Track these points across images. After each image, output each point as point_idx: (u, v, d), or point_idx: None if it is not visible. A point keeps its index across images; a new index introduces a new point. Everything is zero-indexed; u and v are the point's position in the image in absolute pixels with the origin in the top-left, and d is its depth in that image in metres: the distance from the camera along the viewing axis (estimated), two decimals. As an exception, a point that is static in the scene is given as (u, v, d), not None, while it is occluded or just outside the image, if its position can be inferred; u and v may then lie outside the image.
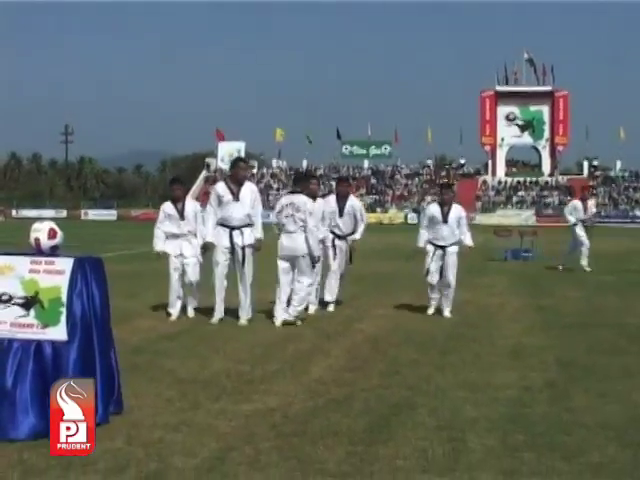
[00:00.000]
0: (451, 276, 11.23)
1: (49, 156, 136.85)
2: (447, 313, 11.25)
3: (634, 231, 52.68)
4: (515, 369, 7.73)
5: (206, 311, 10.76)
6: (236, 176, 10.50)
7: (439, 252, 11.27)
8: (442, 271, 11.25)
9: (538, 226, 51.60)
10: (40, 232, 5.81)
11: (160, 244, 10.97)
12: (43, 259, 5.67)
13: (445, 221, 11.23)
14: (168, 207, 11.01)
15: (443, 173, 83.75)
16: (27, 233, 5.87)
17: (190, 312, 10.98)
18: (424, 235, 11.39)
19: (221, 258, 10.41)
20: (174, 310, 10.87)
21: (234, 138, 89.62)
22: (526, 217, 71.08)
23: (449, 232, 11.26)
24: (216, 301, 10.51)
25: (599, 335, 9.78)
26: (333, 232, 11.78)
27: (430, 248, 11.35)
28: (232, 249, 10.36)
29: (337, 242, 11.83)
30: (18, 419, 5.35)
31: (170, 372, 7.44)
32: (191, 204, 11.11)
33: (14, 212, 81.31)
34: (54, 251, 5.82)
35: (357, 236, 12.00)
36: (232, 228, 10.36)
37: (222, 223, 10.40)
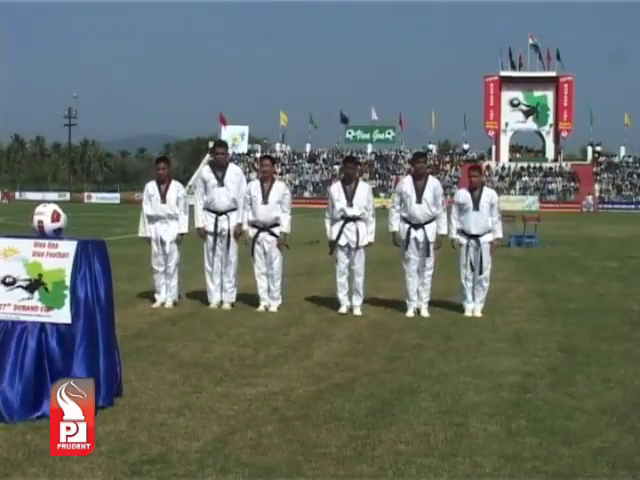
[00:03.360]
0: (487, 270, 10.19)
1: (52, 139, 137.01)
2: (479, 312, 10.17)
3: (638, 217, 52.63)
4: (518, 355, 7.74)
5: (202, 295, 10.71)
6: (217, 161, 10.47)
7: (473, 242, 10.16)
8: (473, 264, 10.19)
9: (542, 212, 51.60)
10: (44, 215, 5.81)
11: (144, 229, 10.62)
12: (47, 242, 5.67)
13: (476, 208, 10.07)
14: (151, 187, 10.56)
15: (447, 158, 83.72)
16: (31, 216, 5.87)
17: (169, 303, 10.45)
18: (455, 225, 10.25)
19: (212, 244, 10.40)
20: (159, 296, 10.53)
21: (238, 122, 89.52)
22: (530, 203, 71.02)
23: (481, 220, 10.09)
24: (211, 286, 10.46)
25: (602, 321, 9.77)
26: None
27: (463, 239, 10.22)
28: (216, 234, 10.34)
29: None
30: (22, 401, 5.37)
31: (173, 356, 7.45)
32: (175, 187, 10.53)
33: (17, 195, 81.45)
34: (57, 234, 5.83)
35: (370, 239, 10.18)
36: (218, 213, 10.33)
37: (208, 208, 10.39)
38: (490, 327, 9.29)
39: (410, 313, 10.06)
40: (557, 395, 6.25)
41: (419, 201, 9.97)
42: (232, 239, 10.35)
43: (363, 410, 5.73)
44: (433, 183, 10.13)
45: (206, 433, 5.17)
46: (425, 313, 10.05)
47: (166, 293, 10.51)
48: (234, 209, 10.35)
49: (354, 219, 10.05)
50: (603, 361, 7.50)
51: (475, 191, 10.19)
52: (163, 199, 10.44)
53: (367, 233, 10.12)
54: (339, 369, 7.01)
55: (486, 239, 10.16)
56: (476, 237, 10.14)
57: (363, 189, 10.16)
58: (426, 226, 10.05)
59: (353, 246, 10.09)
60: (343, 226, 10.07)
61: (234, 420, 5.47)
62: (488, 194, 10.23)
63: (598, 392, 6.35)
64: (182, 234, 10.54)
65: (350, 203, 10.02)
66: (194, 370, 6.87)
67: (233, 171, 10.44)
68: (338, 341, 8.36)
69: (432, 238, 10.09)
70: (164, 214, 10.45)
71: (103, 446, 4.82)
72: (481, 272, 10.16)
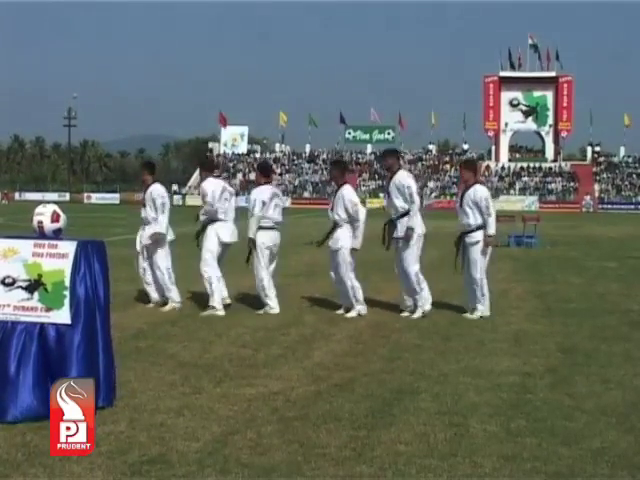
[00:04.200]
0: (472, 270, 9.89)
1: (52, 140, 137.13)
2: (475, 313, 9.94)
3: (637, 217, 52.65)
4: (517, 355, 7.74)
5: (200, 297, 10.67)
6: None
7: (463, 241, 10.06)
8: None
9: (541, 212, 51.61)
10: (43, 215, 5.81)
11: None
12: (46, 242, 5.67)
13: (460, 205, 10.02)
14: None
15: (447, 159, 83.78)
16: (30, 216, 5.88)
17: (168, 305, 10.33)
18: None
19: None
20: (151, 296, 10.51)
21: (237, 122, 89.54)
22: (529, 203, 71.05)
23: (462, 217, 9.98)
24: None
25: (601, 321, 9.77)
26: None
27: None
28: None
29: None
30: (21, 401, 5.37)
31: (172, 356, 7.46)
32: (149, 190, 10.41)
33: (17, 195, 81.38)
34: (57, 234, 5.83)
35: (355, 244, 9.89)
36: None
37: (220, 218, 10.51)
38: (489, 327, 9.29)
39: (408, 313, 10.02)
40: (557, 395, 6.25)
41: (388, 195, 10.06)
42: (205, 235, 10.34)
43: (363, 410, 5.73)
44: (398, 177, 9.86)
45: (206, 433, 5.18)
46: (416, 315, 9.81)
47: (156, 293, 10.44)
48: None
49: (335, 223, 9.94)
50: (603, 361, 7.51)
51: (466, 187, 10.09)
52: (144, 203, 10.54)
53: (349, 238, 9.81)
54: (339, 369, 7.01)
55: (470, 239, 9.92)
56: (465, 235, 10.03)
57: (341, 195, 9.87)
58: (397, 222, 9.84)
59: (331, 248, 9.97)
60: (333, 228, 10.00)
61: (234, 420, 5.47)
62: (473, 191, 9.94)
63: (598, 392, 6.36)
64: (159, 234, 10.26)
65: (331, 207, 10.02)
66: (194, 370, 6.87)
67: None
68: (338, 341, 8.37)
69: (402, 233, 9.82)
70: (144, 217, 10.50)
71: (103, 446, 4.83)
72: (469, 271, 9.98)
